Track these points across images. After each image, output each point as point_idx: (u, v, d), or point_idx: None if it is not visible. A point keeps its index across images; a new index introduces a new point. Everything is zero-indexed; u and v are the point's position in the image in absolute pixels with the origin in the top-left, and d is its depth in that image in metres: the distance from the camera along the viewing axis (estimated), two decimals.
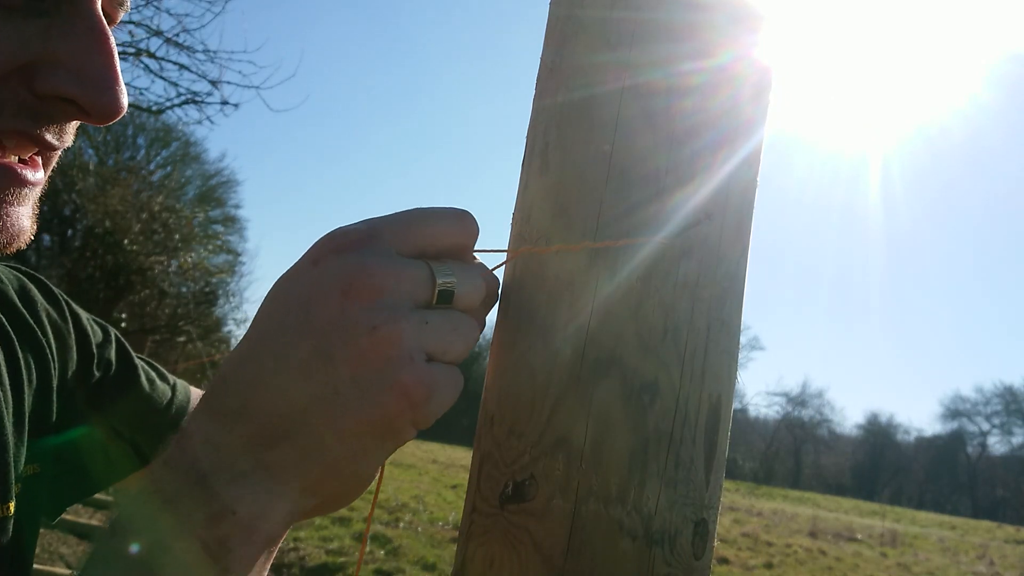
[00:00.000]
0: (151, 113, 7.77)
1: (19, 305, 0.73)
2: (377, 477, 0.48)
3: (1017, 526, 33.75)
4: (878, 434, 67.22)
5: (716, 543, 0.54)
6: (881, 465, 66.00)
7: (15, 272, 0.76)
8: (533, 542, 0.49)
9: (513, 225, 0.57)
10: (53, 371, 0.74)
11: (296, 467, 0.42)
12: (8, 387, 0.68)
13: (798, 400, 64.53)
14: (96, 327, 0.83)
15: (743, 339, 0.57)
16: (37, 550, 0.71)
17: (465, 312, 0.47)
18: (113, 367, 0.82)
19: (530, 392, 0.51)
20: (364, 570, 6.76)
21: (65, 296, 0.81)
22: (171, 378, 0.89)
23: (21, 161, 0.52)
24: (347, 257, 0.43)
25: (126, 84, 0.53)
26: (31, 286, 0.76)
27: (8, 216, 0.51)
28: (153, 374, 0.87)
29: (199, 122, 7.21)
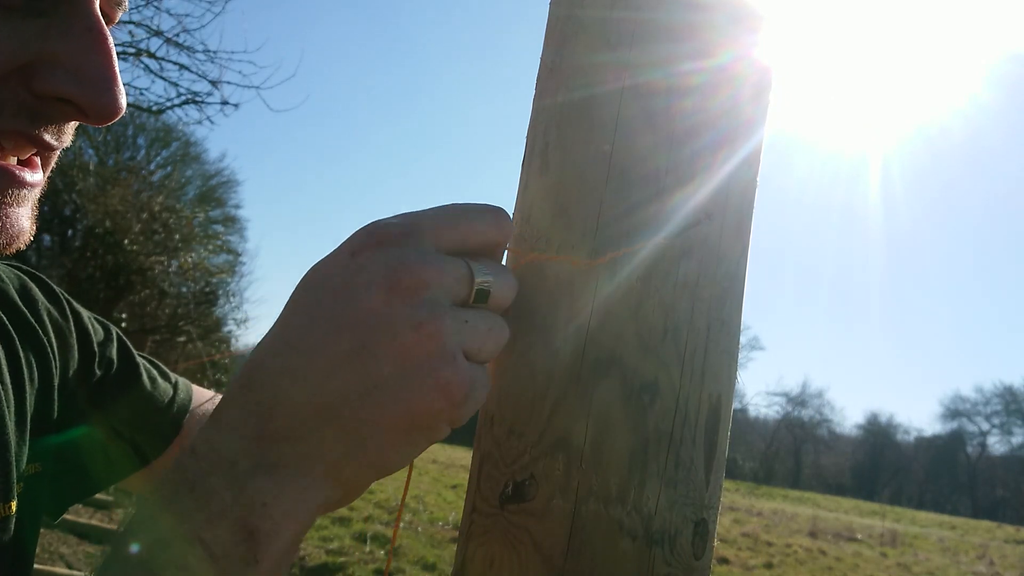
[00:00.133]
0: (151, 113, 7.77)
1: (20, 304, 0.73)
2: (407, 470, 0.47)
3: (1017, 526, 33.75)
4: (878, 434, 67.22)
5: (716, 543, 0.54)
6: (881, 465, 66.00)
7: (16, 271, 0.76)
8: (533, 542, 0.49)
9: (513, 225, 0.57)
10: (55, 370, 0.74)
11: (328, 460, 0.42)
12: (10, 386, 0.68)
13: (798, 400, 64.59)
14: (97, 325, 0.83)
15: (743, 339, 0.57)
16: (37, 550, 0.71)
17: (496, 312, 0.47)
18: (115, 366, 0.82)
19: (530, 392, 0.51)
20: (364, 570, 6.76)
21: (66, 295, 0.81)
22: (173, 376, 0.89)
23: (20, 162, 0.52)
24: (389, 252, 0.43)
25: (126, 84, 0.53)
26: (32, 285, 0.76)
27: (7, 217, 0.51)
28: (155, 372, 0.87)
29: (199, 122, 7.21)
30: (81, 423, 0.77)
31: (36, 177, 0.53)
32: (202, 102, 6.91)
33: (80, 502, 0.88)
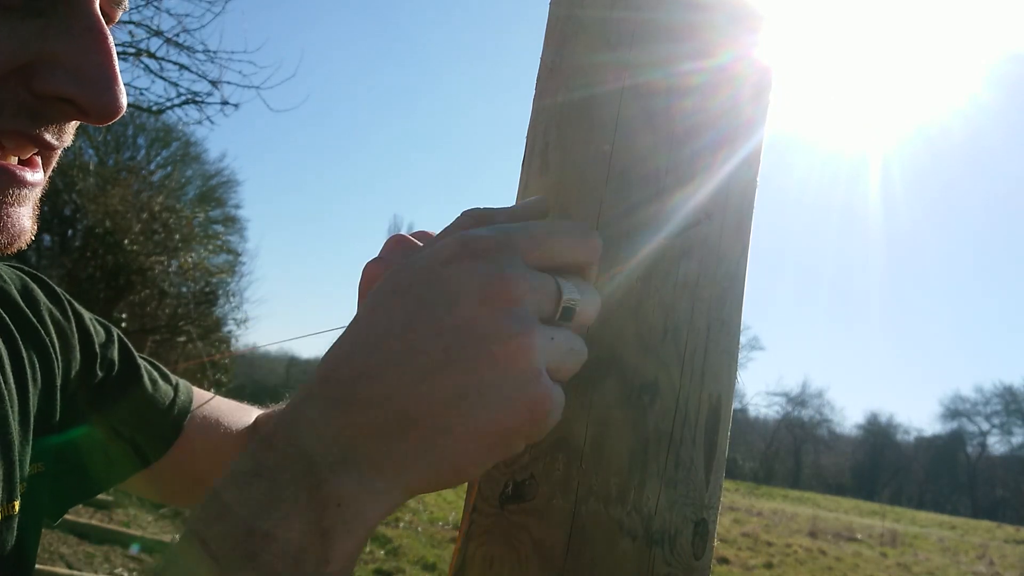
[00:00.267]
0: (151, 113, 7.78)
1: (22, 304, 0.73)
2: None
3: (1017, 526, 33.76)
4: (878, 434, 67.23)
5: (716, 543, 0.54)
6: (881, 465, 66.02)
7: (17, 272, 0.77)
8: (533, 542, 0.49)
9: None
10: (57, 371, 0.74)
11: (403, 465, 0.41)
12: (13, 386, 0.68)
13: (798, 400, 64.58)
14: (99, 327, 0.83)
15: (743, 339, 0.57)
16: (37, 550, 0.72)
17: (579, 331, 0.47)
18: (116, 367, 0.82)
19: None
20: (364, 570, 6.76)
21: (68, 296, 0.81)
22: (173, 379, 0.89)
23: (21, 161, 0.52)
24: (482, 264, 0.43)
25: (126, 84, 0.53)
26: (34, 286, 0.76)
27: (8, 217, 0.51)
28: (156, 374, 0.87)
29: (199, 122, 7.21)
30: (82, 424, 0.77)
31: (37, 176, 0.53)
32: (202, 102, 6.91)
33: (81, 503, 0.88)
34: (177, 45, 6.59)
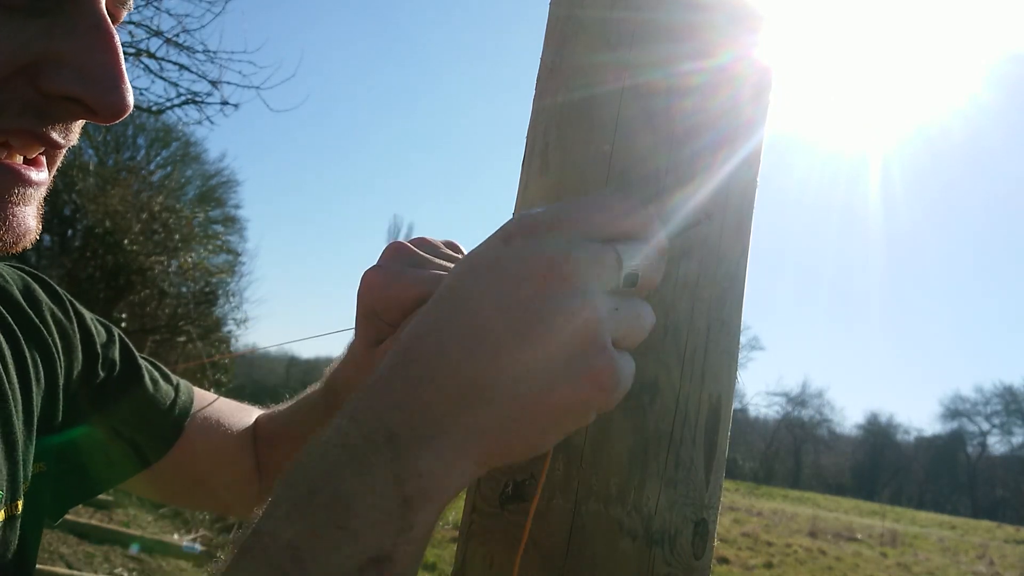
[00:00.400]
0: (151, 113, 7.77)
1: (24, 305, 0.73)
2: (546, 454, 0.48)
3: (1017, 526, 33.76)
4: (878, 434, 67.21)
5: (716, 543, 0.54)
6: (881, 465, 65.99)
7: (19, 272, 0.76)
8: (533, 542, 0.49)
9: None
10: (59, 371, 0.74)
11: (477, 439, 0.43)
12: (17, 386, 0.68)
13: (798, 400, 64.58)
14: (100, 327, 0.83)
15: (743, 339, 0.57)
16: (38, 550, 0.72)
17: (643, 295, 0.48)
18: (117, 367, 0.82)
19: None
20: None
21: (69, 296, 0.81)
22: (175, 379, 0.89)
23: (26, 161, 0.52)
24: (541, 240, 0.44)
25: None
26: (36, 286, 0.76)
27: (14, 216, 0.51)
28: (157, 375, 0.87)
29: (199, 122, 7.20)
30: (84, 424, 0.77)
31: (42, 176, 0.53)
32: (202, 102, 6.91)
33: (82, 503, 0.88)
34: (177, 45, 6.59)
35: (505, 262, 0.44)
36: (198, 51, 6.66)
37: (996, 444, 63.11)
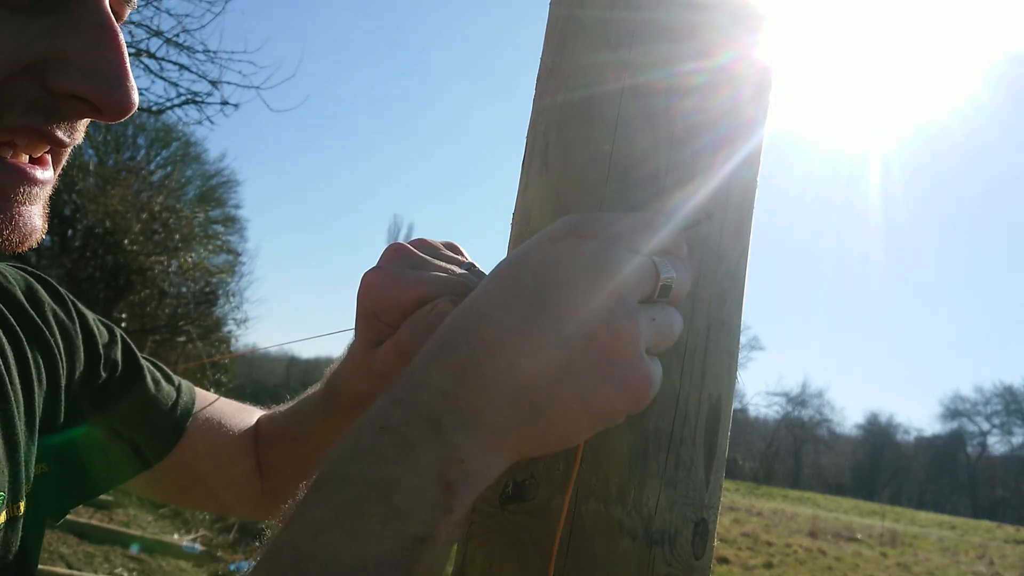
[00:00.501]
0: (151, 113, 7.77)
1: (27, 305, 0.73)
2: (577, 450, 0.50)
3: (1017, 526, 33.75)
4: (878, 434, 67.18)
5: (716, 543, 0.54)
6: (881, 465, 65.97)
7: (21, 272, 0.76)
8: (533, 542, 0.49)
9: (513, 226, 0.57)
10: (62, 371, 0.74)
11: (515, 431, 0.44)
12: (19, 386, 0.68)
13: (798, 400, 64.56)
14: (102, 328, 0.83)
15: (743, 339, 0.57)
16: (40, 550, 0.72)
17: (675, 305, 0.50)
18: (119, 368, 0.82)
19: None
20: None
21: (71, 296, 0.81)
22: (176, 380, 0.89)
23: (31, 160, 0.52)
24: (587, 244, 0.46)
25: None
26: (38, 286, 0.76)
27: (20, 215, 0.51)
28: (158, 375, 0.87)
29: (199, 122, 7.19)
30: (86, 425, 0.76)
31: (47, 174, 0.53)
32: (202, 102, 6.90)
33: (83, 504, 0.88)
34: (177, 45, 6.59)
35: (550, 261, 0.46)
36: (198, 51, 6.66)
37: (996, 444, 63.17)
